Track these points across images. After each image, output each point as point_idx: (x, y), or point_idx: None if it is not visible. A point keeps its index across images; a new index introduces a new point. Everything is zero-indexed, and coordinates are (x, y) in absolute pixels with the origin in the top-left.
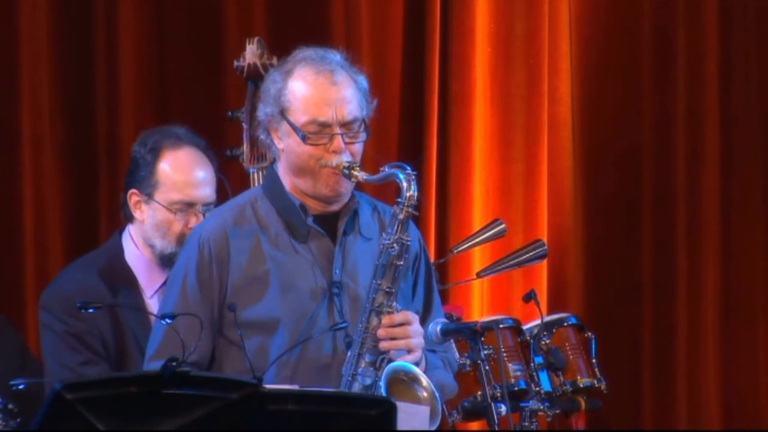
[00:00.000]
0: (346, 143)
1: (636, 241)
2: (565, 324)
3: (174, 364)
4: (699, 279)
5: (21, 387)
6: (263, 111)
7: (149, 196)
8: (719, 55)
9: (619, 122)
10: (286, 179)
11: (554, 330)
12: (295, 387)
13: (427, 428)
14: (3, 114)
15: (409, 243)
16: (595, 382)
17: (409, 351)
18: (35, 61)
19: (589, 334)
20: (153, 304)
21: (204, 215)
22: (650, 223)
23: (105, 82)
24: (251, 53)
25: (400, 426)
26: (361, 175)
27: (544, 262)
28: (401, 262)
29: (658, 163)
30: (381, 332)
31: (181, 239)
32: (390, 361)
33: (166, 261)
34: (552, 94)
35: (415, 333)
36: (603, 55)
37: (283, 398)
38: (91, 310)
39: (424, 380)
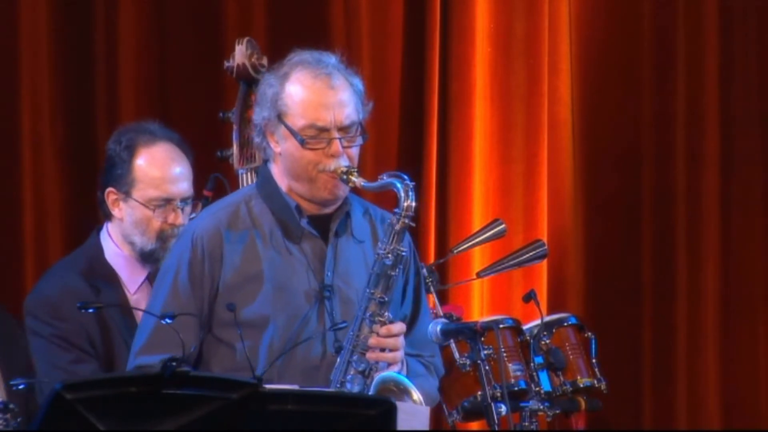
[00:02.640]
0: (343, 147)
1: (636, 241)
2: (565, 324)
3: (174, 364)
4: (699, 279)
5: (21, 387)
6: (260, 114)
7: (126, 194)
8: (719, 55)
9: (619, 122)
10: (283, 181)
11: (554, 330)
12: (295, 387)
13: (426, 428)
14: (3, 114)
15: (404, 254)
16: (595, 382)
17: (392, 364)
18: (35, 61)
19: (589, 334)
20: (136, 300)
21: (182, 210)
22: (650, 223)
23: (105, 82)
24: (240, 54)
25: (400, 426)
26: (359, 181)
27: (544, 262)
28: (395, 273)
29: (658, 163)
30: (372, 341)
31: (160, 235)
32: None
33: (147, 257)
34: (552, 94)
35: (402, 345)
36: (603, 55)
37: (283, 398)
38: (91, 310)
39: (415, 394)
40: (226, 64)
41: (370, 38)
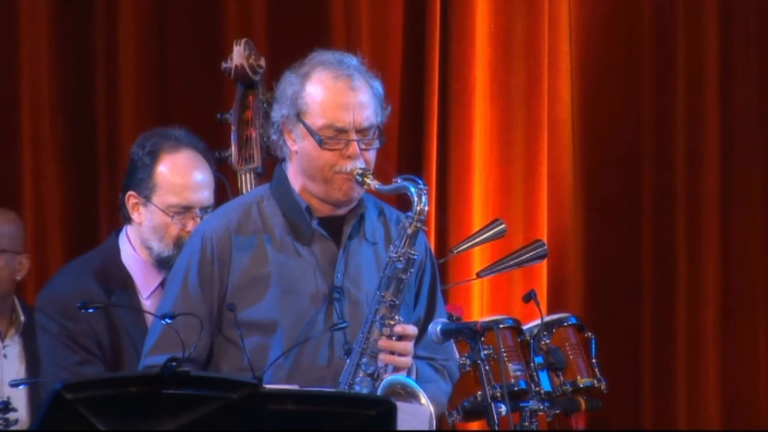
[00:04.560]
0: (360, 149)
1: (636, 241)
2: (565, 324)
3: (174, 363)
4: (699, 279)
5: (21, 387)
6: (278, 112)
7: (147, 198)
8: (719, 55)
9: (619, 122)
10: (297, 180)
11: (554, 330)
12: (295, 387)
13: (426, 428)
14: (3, 114)
15: (415, 257)
16: (595, 382)
17: (398, 368)
18: (35, 61)
19: (589, 334)
20: (149, 305)
21: (201, 219)
22: (650, 223)
23: (105, 82)
24: (238, 55)
25: (400, 426)
26: (373, 183)
27: (544, 262)
28: (406, 276)
29: (658, 163)
30: (382, 343)
31: (178, 242)
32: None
33: (163, 263)
34: (552, 94)
35: (411, 351)
36: (603, 55)
37: (283, 398)
38: (91, 310)
39: (423, 398)
40: (224, 65)
41: (370, 38)
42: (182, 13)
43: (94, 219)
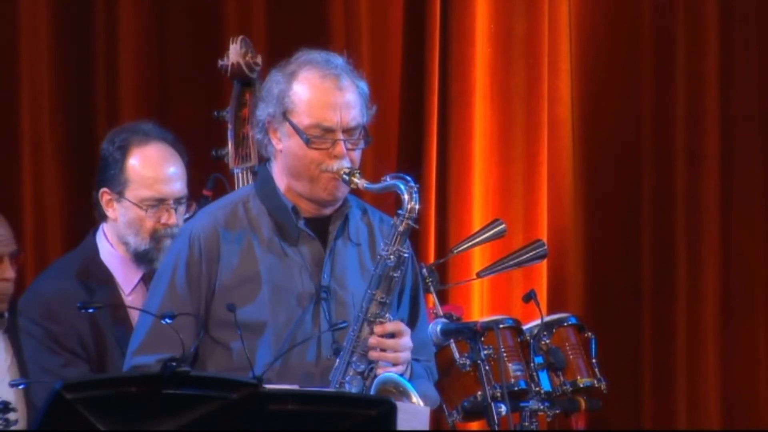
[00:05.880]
0: (347, 149)
1: (636, 241)
2: (565, 324)
3: (174, 364)
4: (699, 279)
5: (21, 387)
6: (264, 110)
7: (120, 194)
8: (719, 55)
9: (619, 122)
10: (282, 180)
11: (554, 330)
12: (295, 387)
13: (426, 428)
14: (3, 114)
15: (406, 255)
16: (595, 382)
17: (395, 364)
18: (35, 61)
19: (589, 334)
20: (132, 302)
21: (176, 210)
22: (650, 223)
23: (105, 82)
24: (235, 52)
25: (400, 426)
26: (361, 182)
27: (544, 262)
28: (397, 274)
29: (658, 163)
30: (372, 341)
31: (154, 236)
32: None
33: (141, 258)
34: (552, 94)
35: (404, 347)
36: (603, 55)
37: (283, 398)
38: (91, 310)
39: (414, 397)
40: (221, 62)
41: (370, 38)
42: (182, 13)
43: (94, 219)
